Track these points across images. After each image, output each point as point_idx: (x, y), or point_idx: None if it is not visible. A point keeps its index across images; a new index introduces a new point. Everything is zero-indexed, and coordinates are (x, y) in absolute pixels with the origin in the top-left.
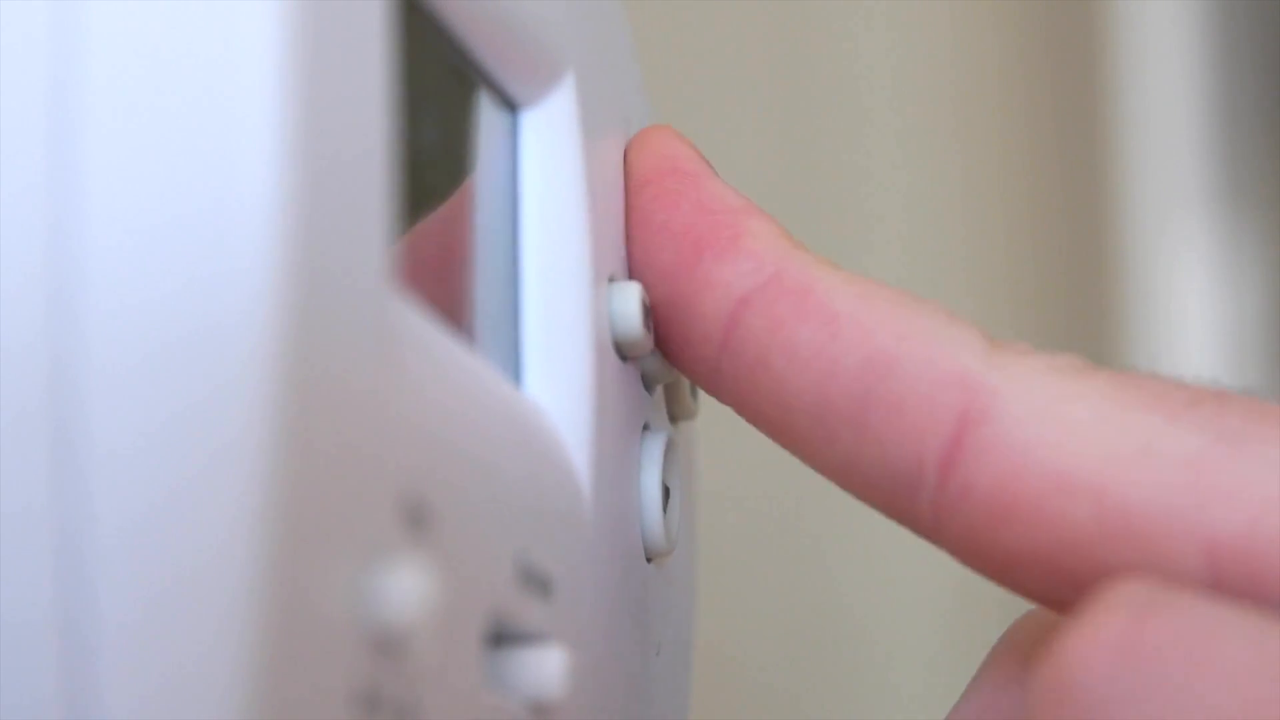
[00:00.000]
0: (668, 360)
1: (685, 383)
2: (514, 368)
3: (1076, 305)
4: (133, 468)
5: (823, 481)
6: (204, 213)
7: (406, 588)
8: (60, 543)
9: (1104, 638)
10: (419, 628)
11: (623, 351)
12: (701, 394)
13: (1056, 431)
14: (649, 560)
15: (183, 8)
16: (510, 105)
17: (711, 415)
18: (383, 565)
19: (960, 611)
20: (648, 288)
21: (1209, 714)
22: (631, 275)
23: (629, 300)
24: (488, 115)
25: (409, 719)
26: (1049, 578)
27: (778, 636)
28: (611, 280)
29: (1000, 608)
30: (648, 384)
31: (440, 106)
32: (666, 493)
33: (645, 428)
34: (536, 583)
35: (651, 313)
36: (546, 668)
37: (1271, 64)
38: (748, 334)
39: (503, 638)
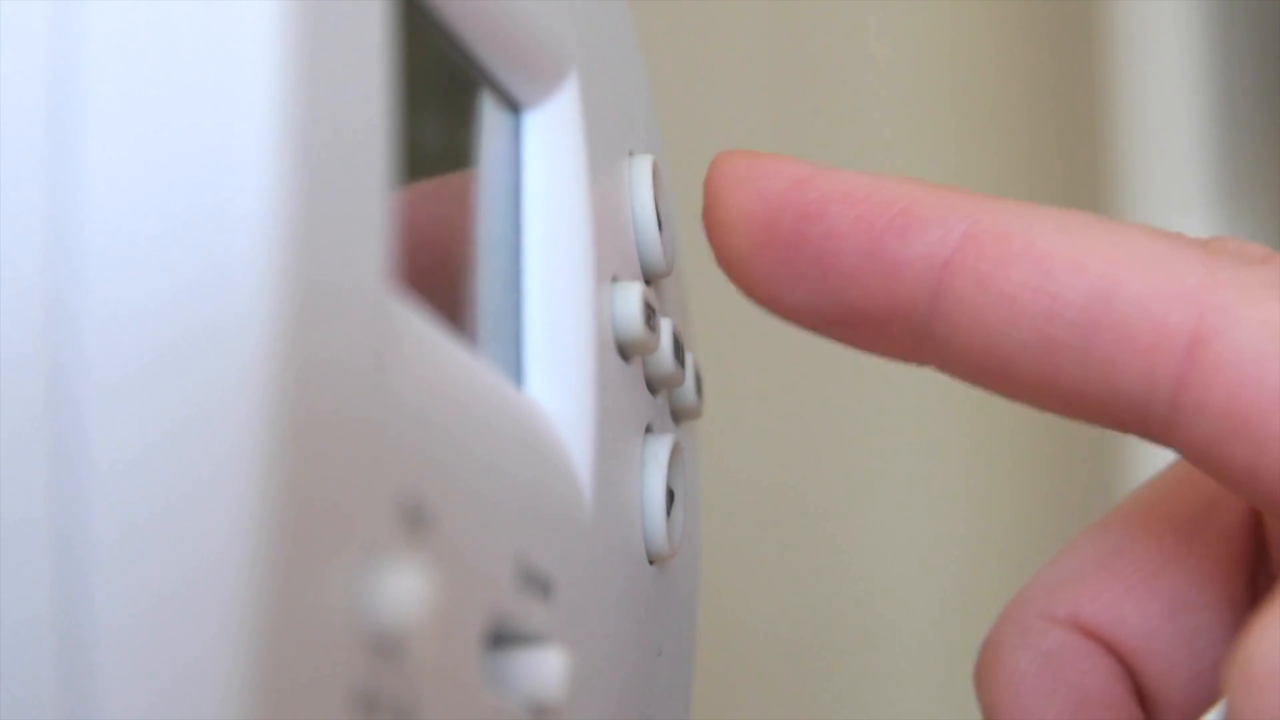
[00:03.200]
0: (866, 348)
1: (691, 383)
2: (515, 368)
3: None
4: (130, 473)
5: (824, 480)
6: (202, 215)
7: (405, 589)
8: (58, 548)
9: None
10: (417, 629)
11: (625, 351)
12: (705, 394)
13: None
14: (651, 562)
15: (181, 8)
16: (513, 106)
17: (719, 411)
18: (381, 566)
19: (963, 607)
20: (828, 298)
21: None
22: (805, 293)
23: (630, 300)
24: (490, 116)
25: None
26: None
27: (780, 637)
28: (614, 280)
29: (998, 596)
30: (653, 386)
31: (442, 107)
32: (671, 496)
33: (649, 429)
34: (536, 584)
35: (841, 315)
36: (546, 669)
37: (1271, 64)
38: (957, 297)
39: (502, 639)
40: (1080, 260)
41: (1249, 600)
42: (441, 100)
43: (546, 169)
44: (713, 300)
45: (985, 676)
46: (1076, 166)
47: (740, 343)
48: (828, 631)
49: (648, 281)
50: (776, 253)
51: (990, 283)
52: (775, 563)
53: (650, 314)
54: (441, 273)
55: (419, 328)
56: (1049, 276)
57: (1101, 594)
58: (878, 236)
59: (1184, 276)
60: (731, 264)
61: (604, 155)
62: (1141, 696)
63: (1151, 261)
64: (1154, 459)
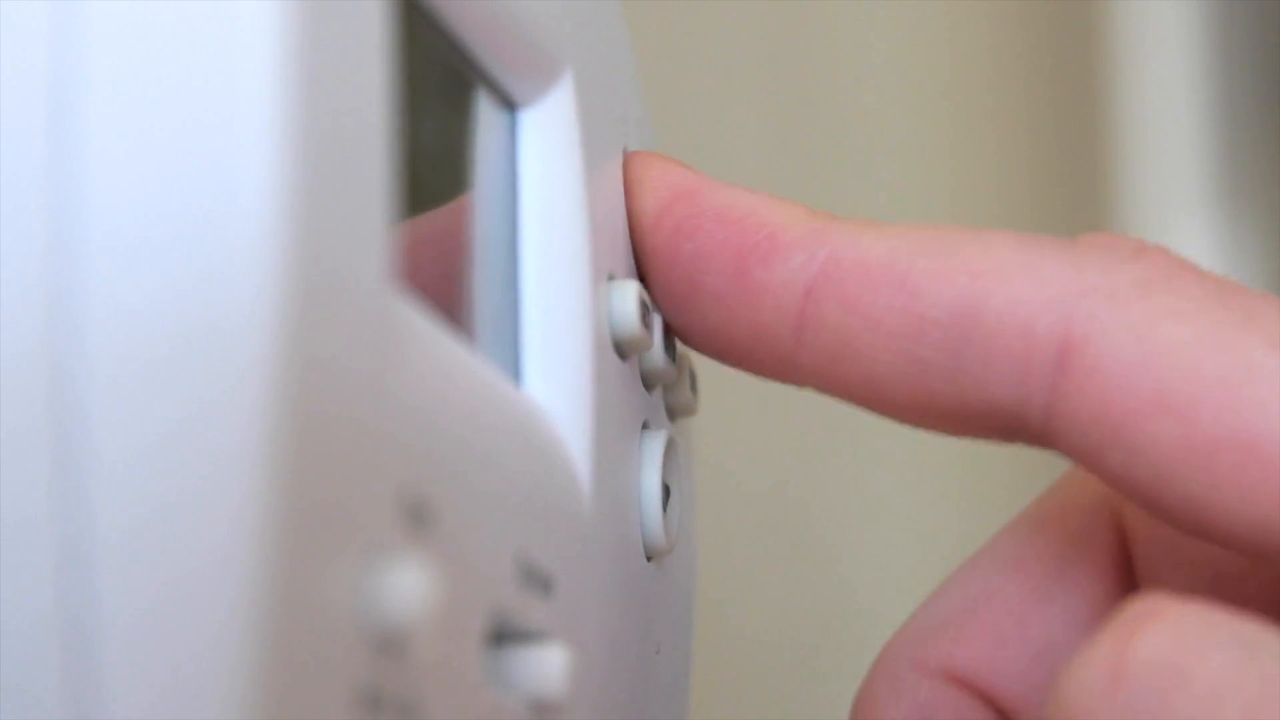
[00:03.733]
0: (741, 369)
1: (686, 379)
2: (513, 366)
3: None
4: (133, 472)
5: (824, 479)
6: (203, 214)
7: (407, 586)
8: (62, 547)
9: (1098, 660)
10: (420, 626)
11: (622, 350)
12: (700, 390)
13: (1155, 353)
14: (649, 559)
15: (182, 8)
16: (509, 104)
17: (713, 413)
18: (383, 564)
19: None
20: (699, 317)
21: None
22: (679, 308)
23: (627, 299)
24: (486, 114)
25: (411, 718)
26: (1160, 498)
27: (780, 635)
28: (611, 278)
29: None
30: (647, 383)
31: (439, 106)
32: (667, 492)
33: (645, 426)
34: (537, 581)
35: (710, 336)
36: (547, 666)
37: (1271, 64)
38: (822, 323)
39: (504, 636)
40: (944, 276)
41: None
42: (438, 99)
43: (542, 167)
44: None
45: None
46: (1077, 167)
47: None
48: (824, 631)
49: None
50: (658, 265)
51: (855, 307)
52: (771, 563)
53: (646, 311)
54: (440, 271)
55: (419, 326)
56: (913, 296)
57: (972, 642)
58: (742, 260)
59: (1050, 283)
60: (639, 263)
61: (599, 153)
62: None
63: (1017, 270)
64: None
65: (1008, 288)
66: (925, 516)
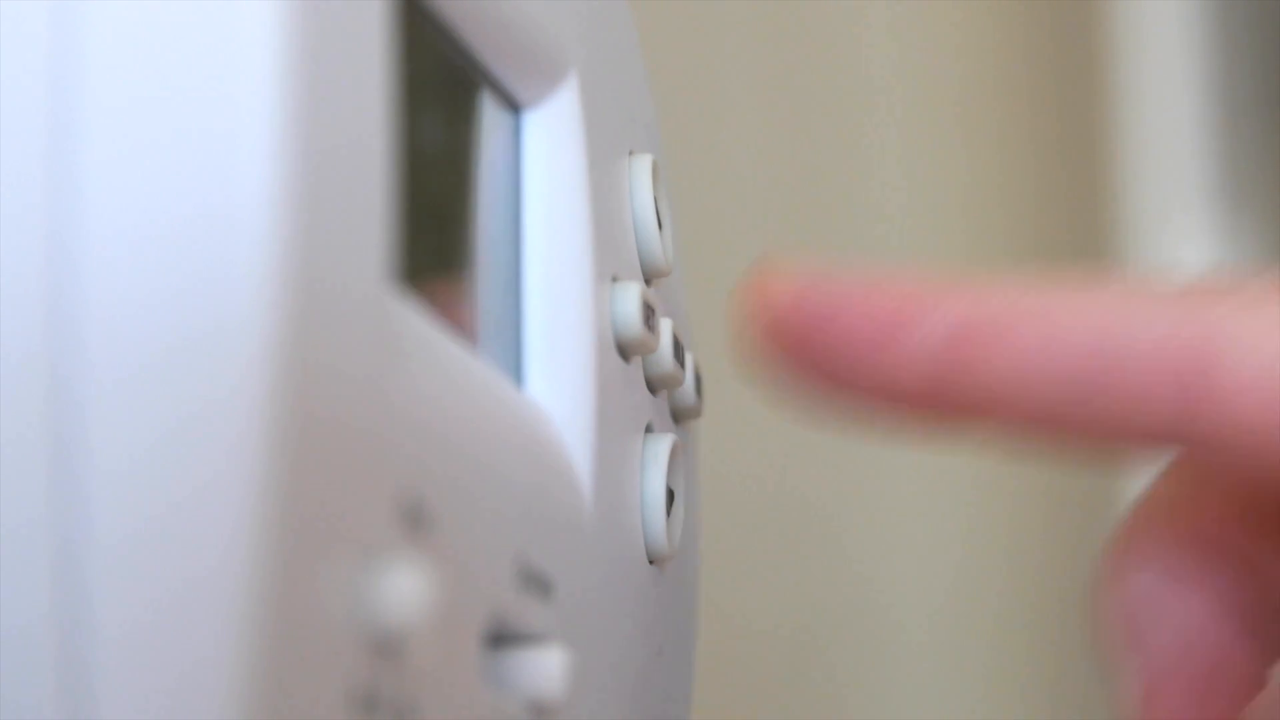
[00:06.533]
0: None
1: (690, 383)
2: (515, 369)
3: None
4: (131, 475)
5: (826, 479)
6: (203, 217)
7: (405, 589)
8: (59, 551)
9: None
10: (417, 628)
11: (624, 352)
12: (705, 394)
13: None
14: (651, 562)
15: (181, 9)
16: (513, 106)
17: (716, 414)
18: (381, 566)
19: (965, 606)
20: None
21: None
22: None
23: (630, 300)
24: (490, 116)
25: (408, 719)
26: None
27: (781, 636)
28: (614, 280)
29: (1001, 595)
30: (653, 386)
31: (442, 107)
32: (670, 496)
33: (649, 429)
34: (536, 583)
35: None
36: (546, 668)
37: (1271, 64)
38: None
39: (502, 638)
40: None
41: None
42: (441, 100)
43: (546, 169)
44: (713, 300)
45: (1105, 576)
46: (1077, 166)
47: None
48: (829, 631)
49: (647, 281)
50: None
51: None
52: (777, 562)
53: (650, 314)
54: (442, 273)
55: (419, 328)
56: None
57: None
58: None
59: (1181, 302)
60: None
61: (604, 155)
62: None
63: (1147, 298)
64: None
65: (1145, 309)
66: (932, 513)
